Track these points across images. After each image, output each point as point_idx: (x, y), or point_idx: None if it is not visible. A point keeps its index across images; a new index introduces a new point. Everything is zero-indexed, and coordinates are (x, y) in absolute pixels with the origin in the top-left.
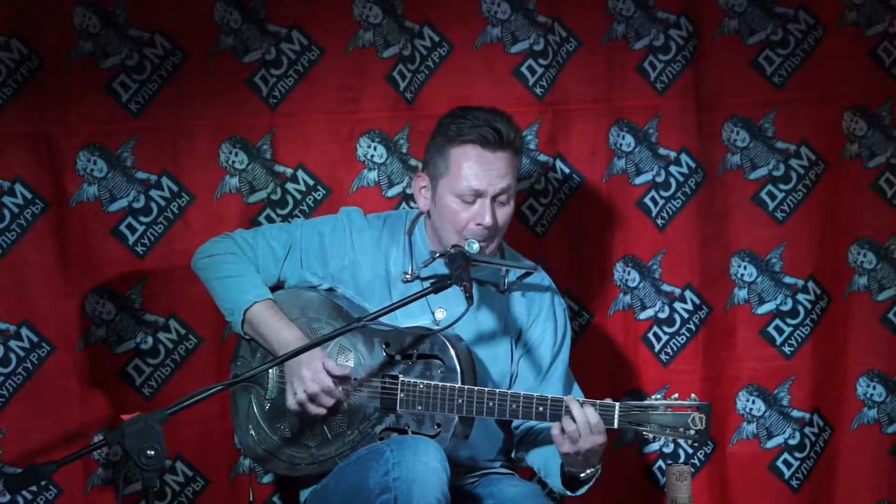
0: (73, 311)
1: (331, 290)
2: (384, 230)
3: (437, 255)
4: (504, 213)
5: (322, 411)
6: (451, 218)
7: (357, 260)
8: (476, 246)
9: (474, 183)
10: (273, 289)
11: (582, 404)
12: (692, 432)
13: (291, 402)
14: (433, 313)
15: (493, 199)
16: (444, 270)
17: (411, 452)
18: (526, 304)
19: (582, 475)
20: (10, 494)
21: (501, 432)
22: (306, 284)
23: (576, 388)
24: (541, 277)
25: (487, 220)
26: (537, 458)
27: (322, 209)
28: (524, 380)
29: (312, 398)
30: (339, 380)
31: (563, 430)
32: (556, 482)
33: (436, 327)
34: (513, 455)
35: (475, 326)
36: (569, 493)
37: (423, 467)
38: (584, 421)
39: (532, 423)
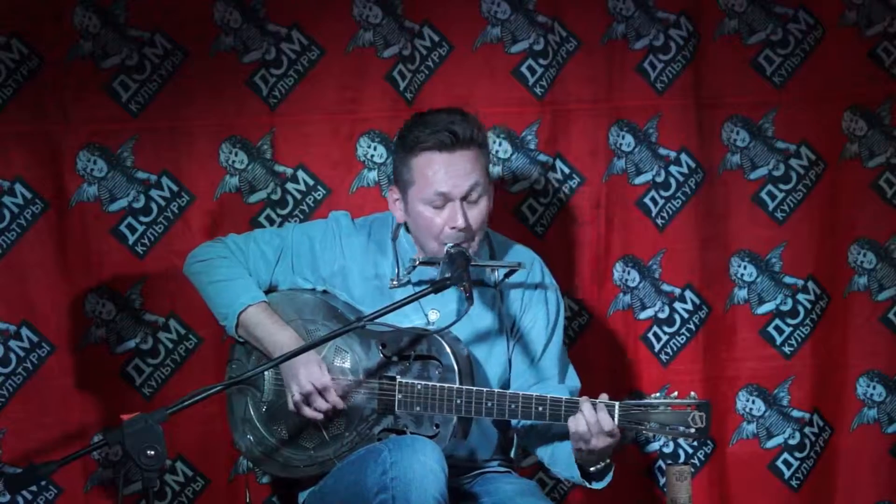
0: (73, 311)
1: (326, 292)
2: (371, 236)
3: (418, 262)
4: (477, 212)
5: (318, 415)
6: (426, 225)
7: (347, 266)
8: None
9: (439, 187)
10: (266, 293)
11: (595, 407)
12: (692, 430)
13: (291, 404)
14: (426, 315)
15: (464, 199)
16: (430, 275)
17: (409, 452)
18: (518, 296)
19: (592, 469)
20: (10, 494)
21: (497, 431)
22: (299, 288)
23: (571, 371)
24: (532, 272)
25: (460, 222)
26: (544, 451)
27: (322, 209)
28: (517, 367)
29: (307, 399)
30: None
31: (576, 430)
32: (574, 474)
33: (433, 327)
34: (512, 454)
35: (470, 324)
36: (587, 485)
37: (421, 467)
38: (595, 422)
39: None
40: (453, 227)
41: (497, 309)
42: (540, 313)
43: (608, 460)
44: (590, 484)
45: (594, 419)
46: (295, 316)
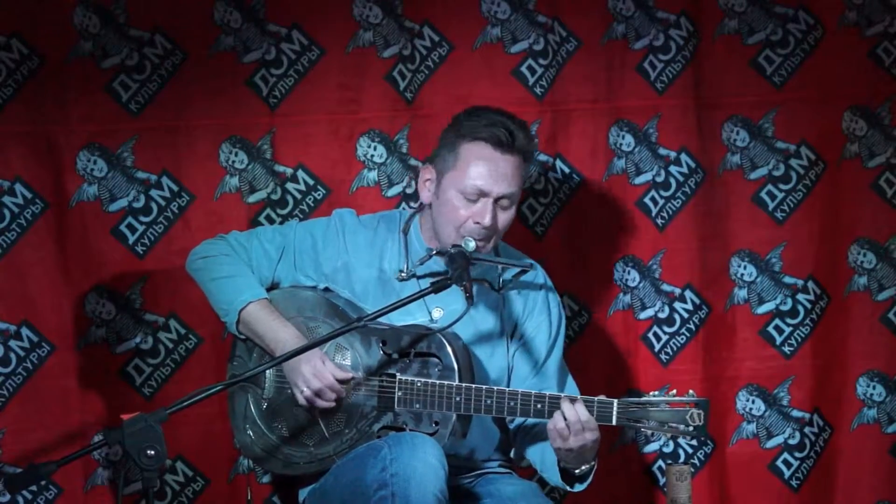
0: (73, 311)
1: (327, 289)
2: (378, 230)
3: (434, 252)
4: (504, 217)
5: (330, 404)
6: (451, 213)
7: (350, 262)
8: (472, 244)
9: (479, 182)
10: (268, 290)
11: (574, 401)
12: (690, 428)
13: (301, 400)
14: (430, 312)
15: (496, 201)
16: (440, 268)
17: (409, 449)
18: (521, 300)
19: (577, 471)
20: (10, 494)
21: (498, 431)
22: (300, 285)
23: (570, 380)
24: (535, 275)
25: (487, 220)
26: (534, 453)
27: (322, 209)
28: (519, 374)
29: (318, 394)
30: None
31: (555, 427)
32: (554, 477)
33: (434, 326)
34: (512, 454)
35: (472, 325)
36: (568, 488)
37: (421, 463)
38: (575, 418)
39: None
40: (478, 223)
41: (499, 312)
42: (543, 324)
43: (592, 462)
44: (572, 487)
45: (574, 415)
46: (296, 313)
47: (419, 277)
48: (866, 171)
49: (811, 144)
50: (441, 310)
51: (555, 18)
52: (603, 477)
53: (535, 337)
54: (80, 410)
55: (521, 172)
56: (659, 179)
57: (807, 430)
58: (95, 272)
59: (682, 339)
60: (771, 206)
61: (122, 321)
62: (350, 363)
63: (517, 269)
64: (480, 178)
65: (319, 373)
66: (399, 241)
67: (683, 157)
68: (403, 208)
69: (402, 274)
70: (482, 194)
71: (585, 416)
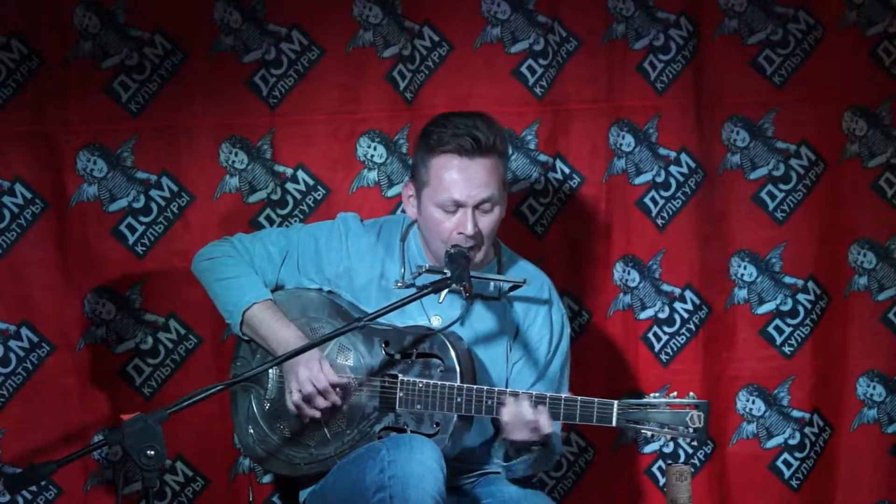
0: (73, 311)
1: (331, 291)
2: (380, 237)
3: (424, 269)
4: (488, 221)
5: (316, 413)
6: (435, 227)
7: (353, 266)
8: None
9: (454, 193)
10: (272, 292)
11: (517, 398)
12: (690, 430)
13: (290, 403)
14: (429, 320)
15: (476, 207)
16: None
17: (407, 451)
18: (524, 308)
19: (511, 461)
20: (10, 494)
21: (497, 432)
22: (304, 287)
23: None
24: (541, 289)
25: (469, 229)
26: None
27: (322, 209)
28: (515, 383)
29: (308, 399)
30: (338, 387)
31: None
32: (498, 457)
33: (436, 326)
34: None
35: (473, 330)
36: (502, 463)
37: (419, 466)
38: (515, 412)
39: None
40: (461, 234)
41: (502, 319)
42: (545, 337)
43: (525, 455)
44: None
45: (516, 409)
46: (300, 314)
47: (418, 287)
48: (866, 171)
49: (811, 144)
50: (440, 318)
51: (555, 18)
52: (603, 477)
53: (536, 349)
54: (80, 410)
55: (496, 171)
56: (659, 179)
57: (807, 430)
58: (95, 272)
59: (682, 339)
60: (771, 206)
61: (122, 321)
62: (352, 364)
63: (510, 285)
64: (454, 190)
65: (315, 377)
66: (399, 250)
67: (683, 157)
68: (402, 211)
69: (400, 284)
70: (459, 205)
71: (521, 416)
